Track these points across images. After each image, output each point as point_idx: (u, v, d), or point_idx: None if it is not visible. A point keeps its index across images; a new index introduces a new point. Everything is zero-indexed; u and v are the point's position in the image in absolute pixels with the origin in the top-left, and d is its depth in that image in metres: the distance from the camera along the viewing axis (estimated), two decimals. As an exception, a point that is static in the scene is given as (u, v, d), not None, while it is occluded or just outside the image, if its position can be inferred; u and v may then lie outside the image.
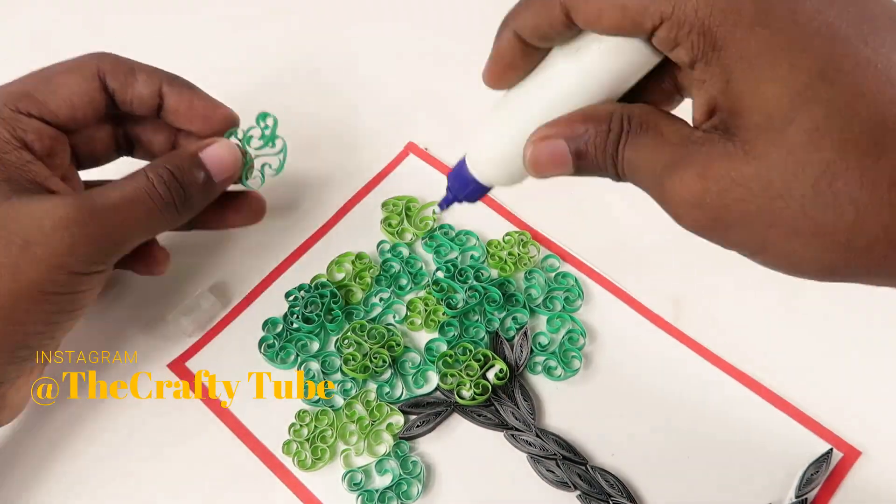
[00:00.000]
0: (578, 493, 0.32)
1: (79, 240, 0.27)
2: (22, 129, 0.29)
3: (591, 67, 0.21)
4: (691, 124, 0.21)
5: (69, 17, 0.49)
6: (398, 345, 0.35)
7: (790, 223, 0.18)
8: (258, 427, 0.33)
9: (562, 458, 0.32)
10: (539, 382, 0.35)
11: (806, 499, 0.31)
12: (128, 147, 0.35)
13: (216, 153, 0.31)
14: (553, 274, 0.37)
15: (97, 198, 0.28)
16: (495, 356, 0.35)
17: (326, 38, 0.48)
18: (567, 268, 0.38)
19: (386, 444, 0.33)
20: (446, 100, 0.45)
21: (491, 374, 0.34)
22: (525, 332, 0.35)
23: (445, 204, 0.29)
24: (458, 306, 0.36)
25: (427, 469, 0.32)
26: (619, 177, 0.22)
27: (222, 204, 0.34)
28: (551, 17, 0.21)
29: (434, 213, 0.38)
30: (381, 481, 0.32)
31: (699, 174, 0.19)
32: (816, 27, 0.18)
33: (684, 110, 0.22)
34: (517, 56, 0.23)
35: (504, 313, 0.36)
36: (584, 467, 0.32)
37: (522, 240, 0.38)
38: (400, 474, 0.32)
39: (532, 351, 0.35)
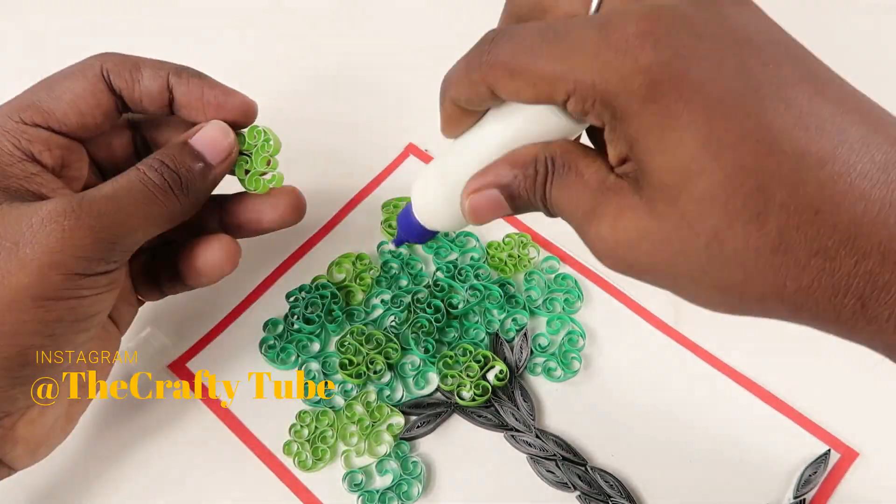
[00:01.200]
0: (578, 493, 0.32)
1: (70, 233, 0.25)
2: (27, 139, 0.27)
3: (517, 131, 0.23)
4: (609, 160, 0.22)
5: (69, 18, 0.49)
6: (395, 350, 0.35)
7: (691, 276, 0.20)
8: (258, 427, 0.33)
9: (561, 459, 0.32)
10: (539, 383, 0.35)
11: (804, 499, 0.31)
12: (147, 152, 0.32)
13: (207, 136, 0.30)
14: (553, 275, 0.37)
15: (89, 192, 0.27)
16: (495, 357, 0.35)
17: (326, 39, 0.48)
18: (567, 269, 0.38)
19: (386, 445, 0.33)
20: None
21: (491, 376, 0.34)
22: (525, 334, 0.35)
23: (397, 243, 0.31)
24: (459, 306, 0.36)
25: (427, 469, 0.33)
26: (551, 215, 0.24)
27: (254, 205, 0.32)
28: (479, 92, 0.22)
29: (387, 250, 0.38)
30: (381, 482, 0.32)
31: (611, 226, 0.21)
32: (702, 100, 0.19)
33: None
34: (459, 116, 0.24)
35: (504, 314, 0.36)
36: (583, 468, 0.32)
37: (522, 241, 0.38)
38: (400, 475, 0.32)
39: (532, 352, 0.35)
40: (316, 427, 0.33)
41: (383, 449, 0.33)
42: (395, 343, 0.35)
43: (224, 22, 0.49)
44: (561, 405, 0.34)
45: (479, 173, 0.24)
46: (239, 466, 0.33)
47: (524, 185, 0.23)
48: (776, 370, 0.35)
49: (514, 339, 0.36)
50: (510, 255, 0.38)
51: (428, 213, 0.26)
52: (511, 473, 0.33)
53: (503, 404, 0.34)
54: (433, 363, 0.35)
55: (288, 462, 0.33)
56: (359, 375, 0.34)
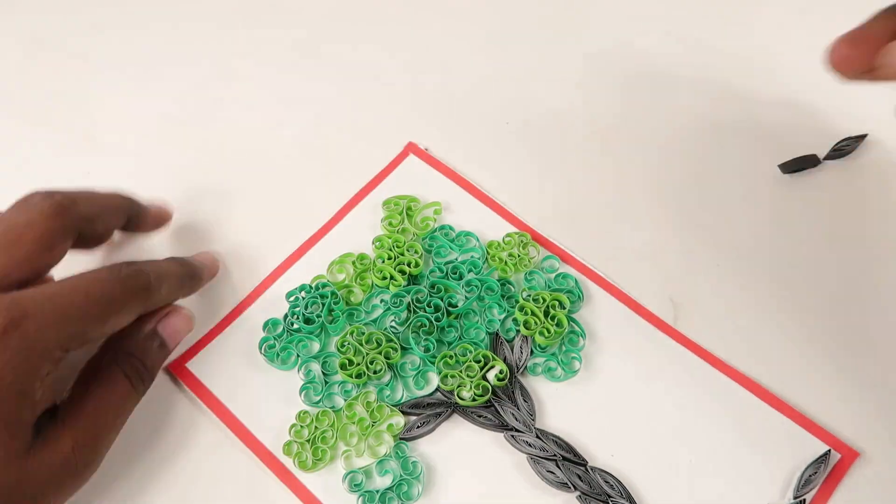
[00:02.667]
0: (578, 493, 0.32)
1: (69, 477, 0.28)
2: None
3: None
4: None
5: (68, 18, 0.49)
6: (395, 350, 0.35)
7: None
8: (258, 428, 0.33)
9: (562, 459, 0.32)
10: (539, 383, 0.35)
11: (804, 500, 0.31)
12: None
13: (172, 325, 0.33)
14: (553, 275, 0.37)
15: (87, 426, 0.29)
16: (495, 357, 0.35)
17: (326, 39, 0.48)
18: (567, 269, 0.38)
19: (386, 445, 0.33)
20: (446, 100, 0.45)
21: (491, 375, 0.34)
22: (525, 333, 0.35)
23: None
24: (459, 305, 0.36)
25: (427, 470, 0.33)
26: None
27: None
28: None
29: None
30: (381, 482, 0.32)
31: None
32: None
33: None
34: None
35: (504, 314, 0.36)
36: (583, 468, 0.32)
37: (522, 241, 0.38)
38: (400, 475, 0.32)
39: (532, 352, 0.35)
40: (316, 427, 0.33)
41: (383, 449, 0.33)
42: (394, 343, 0.35)
43: (224, 21, 0.49)
44: (561, 405, 0.34)
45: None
46: (239, 467, 0.33)
47: None
48: (776, 370, 0.35)
49: (514, 338, 0.36)
50: (510, 255, 0.38)
51: None
52: (511, 473, 0.33)
53: (503, 404, 0.34)
54: (433, 363, 0.35)
55: (288, 462, 0.33)
56: (359, 375, 0.34)
